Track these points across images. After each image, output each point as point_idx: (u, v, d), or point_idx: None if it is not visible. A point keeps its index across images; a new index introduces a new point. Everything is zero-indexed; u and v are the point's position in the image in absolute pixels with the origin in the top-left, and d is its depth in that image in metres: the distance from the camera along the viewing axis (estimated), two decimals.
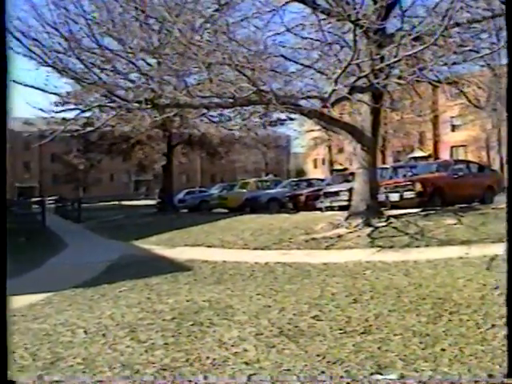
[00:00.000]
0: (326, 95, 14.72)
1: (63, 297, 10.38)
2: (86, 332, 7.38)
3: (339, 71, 14.23)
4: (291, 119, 43.08)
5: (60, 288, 11.23)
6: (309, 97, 15.98)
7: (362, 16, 14.04)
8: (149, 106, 15.18)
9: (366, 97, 18.02)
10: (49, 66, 16.79)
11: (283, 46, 17.03)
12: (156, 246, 19.20)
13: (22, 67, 19.07)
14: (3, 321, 4.18)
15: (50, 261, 16.69)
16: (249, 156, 69.52)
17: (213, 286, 10.70)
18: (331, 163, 68.59)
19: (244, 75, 14.03)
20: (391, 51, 14.96)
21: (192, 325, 7.36)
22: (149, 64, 18.87)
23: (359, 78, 15.34)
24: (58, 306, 9.44)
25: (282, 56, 16.34)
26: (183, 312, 8.17)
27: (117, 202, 59.34)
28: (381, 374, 5.21)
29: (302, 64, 16.83)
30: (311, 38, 17.38)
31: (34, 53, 16.56)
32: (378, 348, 5.96)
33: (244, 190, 38.22)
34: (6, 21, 4.79)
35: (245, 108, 16.83)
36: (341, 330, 6.75)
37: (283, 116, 40.52)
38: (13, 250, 18.81)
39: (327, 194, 26.37)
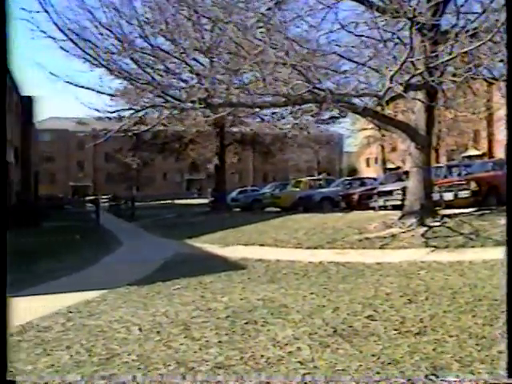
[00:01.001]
0: (381, 93, 14.60)
1: (118, 294, 10.48)
2: (140, 329, 7.46)
3: (394, 69, 14.10)
4: (343, 116, 42.88)
5: (115, 285, 11.33)
6: (363, 95, 15.87)
7: (417, 13, 13.87)
8: (202, 106, 15.28)
9: (421, 95, 17.80)
10: (102, 67, 17.06)
11: (337, 44, 16.95)
12: (209, 244, 19.34)
13: (76, 69, 19.41)
14: (3, 321, 4.09)
15: (105, 259, 16.95)
16: (301, 155, 69.29)
17: (266, 284, 10.71)
18: (384, 162, 67.81)
19: (298, 74, 14.02)
20: (446, 48, 14.77)
21: (246, 323, 7.38)
22: (201, 63, 19.04)
23: (414, 75, 15.16)
24: (113, 303, 9.54)
25: (336, 54, 16.28)
26: (237, 310, 8.21)
27: (169, 201, 60.02)
28: (436, 376, 5.14)
29: (355, 62, 16.74)
30: (365, 36, 17.25)
31: (88, 54, 16.85)
32: (434, 349, 5.88)
33: (297, 189, 38.14)
34: (6, 21, 4.53)
35: (297, 106, 16.80)
36: (395, 330, 6.69)
37: (336, 113, 40.37)
38: (68, 247, 19.29)
39: (381, 193, 26.15)
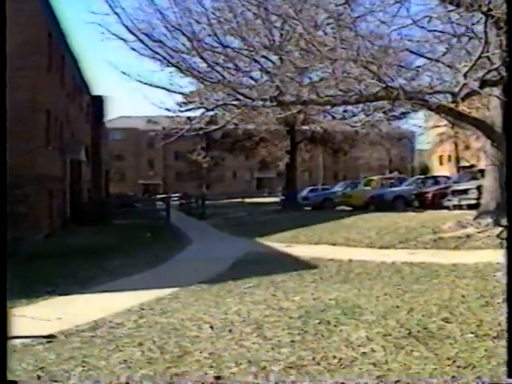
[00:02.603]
0: (456, 90, 14.33)
1: (190, 292, 10.63)
2: (212, 327, 7.52)
3: (469, 64, 13.83)
4: (415, 111, 42.29)
5: (186, 283, 11.47)
6: (437, 92, 15.60)
7: (492, 6, 13.55)
8: (273, 104, 15.31)
9: (497, 91, 17.35)
10: (173, 66, 17.28)
11: (409, 40, 16.69)
12: (280, 243, 19.34)
13: (147, 68, 19.74)
14: (3, 321, 4.23)
15: (176, 256, 17.12)
16: (372, 153, 68.49)
17: (339, 284, 10.69)
18: (457, 160, 66.48)
19: (370, 71, 13.89)
20: None
21: (319, 323, 7.37)
22: (271, 61, 19.05)
23: (489, 71, 14.81)
24: (185, 301, 9.66)
25: (408, 50, 16.06)
26: (310, 310, 8.20)
27: (240, 199, 60.23)
28: None
29: (428, 58, 16.46)
30: (438, 31, 16.92)
31: (159, 54, 17.10)
32: None
33: (368, 188, 37.85)
34: (5, 21, 4.79)
35: (368, 103, 16.66)
36: (472, 333, 6.58)
37: (407, 109, 39.86)
38: (139, 245, 19.57)
39: (455, 192, 25.74)
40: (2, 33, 4.78)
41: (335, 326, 7.23)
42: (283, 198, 44.40)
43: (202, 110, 19.77)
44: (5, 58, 4.85)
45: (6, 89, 4.75)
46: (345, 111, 21.32)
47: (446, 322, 7.16)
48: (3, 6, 4.81)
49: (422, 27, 17.01)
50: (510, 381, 4.56)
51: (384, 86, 13.97)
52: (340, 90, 14.89)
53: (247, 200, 59.81)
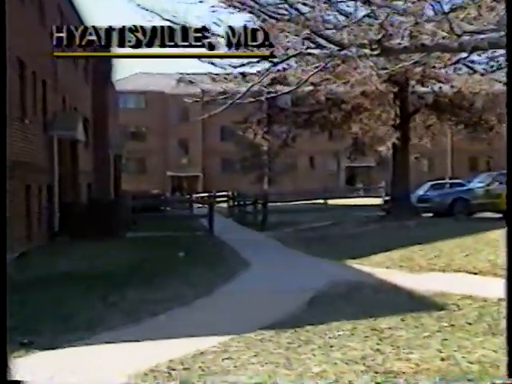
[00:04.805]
0: None
1: (245, 342, 10.73)
2: None
3: None
4: None
5: (240, 329, 11.53)
6: None
7: None
8: (375, 53, 15.09)
9: None
10: None
11: None
12: (384, 268, 19.47)
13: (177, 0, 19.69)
14: (3, 321, 5.18)
15: (223, 287, 17.26)
16: None
17: (482, 337, 10.62)
18: None
19: None
20: None
21: None
22: None
23: None
24: (239, 357, 9.76)
25: None
26: (435, 376, 8.20)
27: (320, 201, 59.70)
28: None
29: None
30: None
31: None
32: None
33: None
34: (5, 21, 5.81)
35: None
36: None
37: None
38: (166, 270, 19.66)
39: None
40: (2, 33, 6.02)
41: None
42: (388, 198, 44.20)
43: (266, 64, 19.72)
44: (5, 58, 5.94)
45: (6, 89, 5.61)
46: (491, 60, 20.91)
47: None
48: (3, 6, 6.07)
49: None
50: (510, 381, 5.54)
51: None
52: (485, 27, 14.48)
53: (331, 202, 59.24)
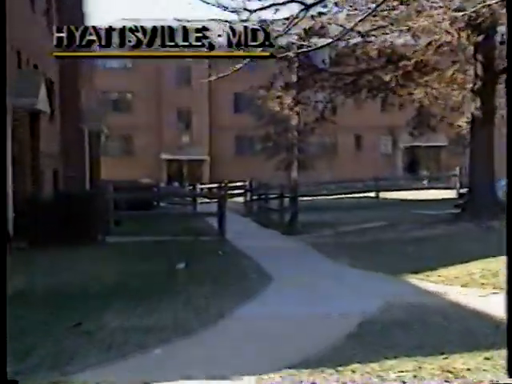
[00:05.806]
0: None
1: None
2: None
3: None
4: None
5: (260, 369, 11.24)
6: None
7: None
8: None
9: None
10: None
11: None
12: (459, 286, 19.18)
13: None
14: (3, 321, 7.03)
15: (237, 311, 16.76)
16: None
17: None
18: None
19: None
20: None
21: None
22: None
23: None
24: None
25: None
26: None
27: (371, 194, 59.42)
28: None
29: None
30: None
31: None
32: None
33: None
34: (5, 21, 7.58)
35: None
36: None
37: None
38: (161, 288, 20.02)
39: None
40: (2, 33, 7.94)
41: None
42: (464, 190, 43.37)
43: (295, 7, 18.91)
44: (5, 58, 7.64)
45: (5, 89, 6.97)
46: None
47: None
48: (3, 5, 8.08)
49: None
50: (509, 381, 7.17)
51: None
52: None
53: (386, 195, 59.04)
